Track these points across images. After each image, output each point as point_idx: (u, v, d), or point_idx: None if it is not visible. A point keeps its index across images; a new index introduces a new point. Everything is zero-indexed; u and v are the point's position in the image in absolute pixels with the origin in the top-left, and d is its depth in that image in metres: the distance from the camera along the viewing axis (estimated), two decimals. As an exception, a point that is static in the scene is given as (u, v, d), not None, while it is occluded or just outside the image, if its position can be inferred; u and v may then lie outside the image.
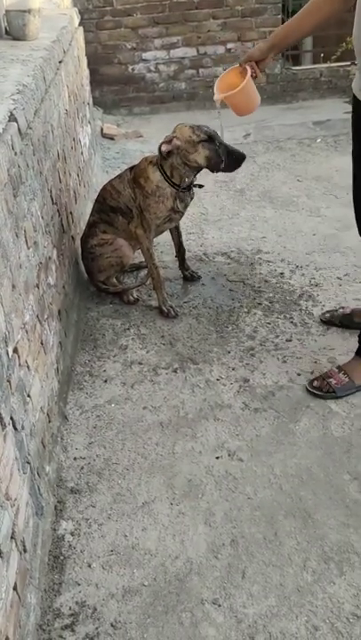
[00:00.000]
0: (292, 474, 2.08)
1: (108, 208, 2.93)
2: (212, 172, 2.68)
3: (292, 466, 2.11)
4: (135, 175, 2.81)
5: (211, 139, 2.59)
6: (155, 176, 2.72)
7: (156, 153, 2.70)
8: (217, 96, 2.30)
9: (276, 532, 1.89)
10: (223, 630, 1.64)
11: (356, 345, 2.39)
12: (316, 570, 1.78)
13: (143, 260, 3.16)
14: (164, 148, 2.60)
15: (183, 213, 2.88)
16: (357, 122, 2.14)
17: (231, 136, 5.04)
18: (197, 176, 2.80)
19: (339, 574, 1.76)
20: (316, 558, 1.81)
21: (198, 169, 2.69)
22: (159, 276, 2.93)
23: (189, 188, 2.78)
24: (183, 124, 2.66)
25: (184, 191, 2.76)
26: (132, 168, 2.90)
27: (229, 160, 2.62)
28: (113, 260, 2.96)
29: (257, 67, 2.22)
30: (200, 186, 2.86)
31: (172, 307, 2.93)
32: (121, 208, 2.88)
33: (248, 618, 1.67)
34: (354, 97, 2.10)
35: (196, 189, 2.88)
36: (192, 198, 2.88)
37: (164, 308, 2.92)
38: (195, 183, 2.80)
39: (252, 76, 2.22)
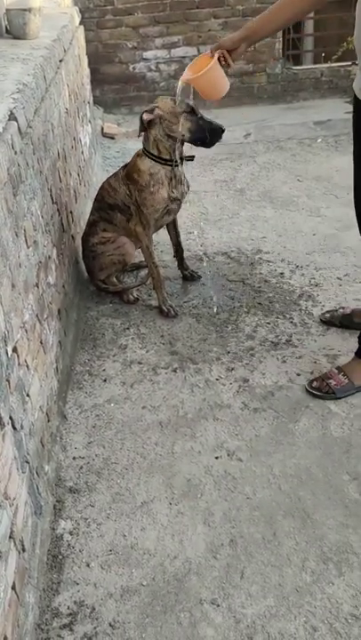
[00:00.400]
0: (291, 474, 2.08)
1: (106, 206, 2.94)
2: (195, 144, 2.66)
3: (291, 466, 2.11)
4: (128, 172, 2.81)
5: (193, 111, 2.60)
6: (145, 164, 2.72)
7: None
8: (184, 77, 2.32)
9: (275, 533, 1.89)
10: (222, 630, 1.64)
11: (356, 345, 2.39)
12: (314, 570, 1.78)
13: (143, 259, 3.16)
14: (145, 117, 2.60)
15: (181, 202, 2.86)
16: (358, 122, 2.14)
17: (232, 135, 5.04)
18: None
19: (338, 575, 1.76)
20: (314, 559, 1.81)
21: (182, 142, 2.66)
22: (159, 275, 2.93)
23: (182, 161, 2.74)
24: (164, 96, 2.68)
25: (177, 165, 2.71)
26: (125, 166, 2.90)
27: (210, 133, 2.62)
28: (115, 258, 2.96)
29: (229, 56, 2.22)
30: (191, 157, 2.80)
31: (171, 306, 2.92)
32: (118, 205, 2.88)
33: (247, 618, 1.67)
34: (355, 97, 2.10)
35: (195, 191, 2.87)
36: (189, 187, 2.87)
37: (163, 308, 2.92)
38: (185, 155, 2.77)
39: (222, 64, 2.23)
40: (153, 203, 2.75)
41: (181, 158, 2.74)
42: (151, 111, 2.60)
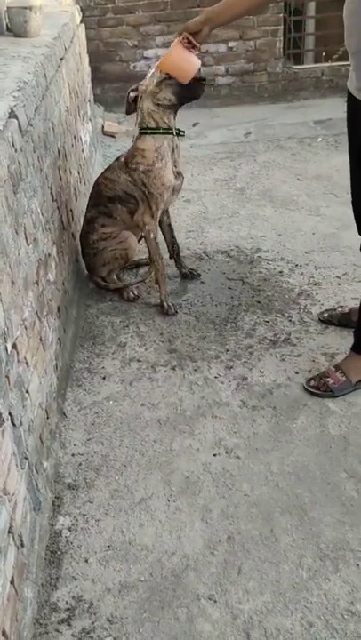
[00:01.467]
0: (288, 471, 2.09)
1: (105, 200, 2.94)
2: (184, 102, 2.74)
3: (288, 463, 2.12)
4: (128, 159, 2.84)
5: (170, 76, 2.67)
6: (147, 143, 2.77)
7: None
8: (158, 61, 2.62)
9: (273, 529, 1.90)
10: (219, 626, 1.65)
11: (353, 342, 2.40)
12: (311, 567, 1.79)
13: (143, 257, 3.17)
14: (132, 94, 2.74)
15: (183, 178, 2.91)
16: (353, 120, 2.17)
17: (232, 134, 5.07)
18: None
19: (334, 571, 1.77)
20: (311, 555, 1.82)
21: (172, 106, 2.73)
22: (163, 268, 2.95)
23: (178, 132, 2.83)
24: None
25: (178, 134, 2.81)
26: (118, 158, 2.94)
27: (192, 88, 2.69)
28: (118, 253, 2.96)
29: (193, 38, 2.39)
30: (182, 132, 2.87)
31: (172, 303, 2.94)
32: (119, 196, 2.89)
33: (243, 614, 1.68)
34: (349, 95, 2.14)
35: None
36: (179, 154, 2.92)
37: (165, 304, 2.93)
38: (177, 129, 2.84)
39: (188, 46, 2.41)
40: (163, 181, 2.78)
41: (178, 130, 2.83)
42: (135, 89, 2.74)
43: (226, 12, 2.30)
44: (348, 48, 2.02)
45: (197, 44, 2.40)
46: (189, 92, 2.69)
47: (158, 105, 2.71)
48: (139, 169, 2.79)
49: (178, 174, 2.86)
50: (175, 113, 2.78)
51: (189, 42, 2.39)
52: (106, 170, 3.00)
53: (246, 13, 2.39)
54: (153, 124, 2.75)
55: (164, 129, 2.75)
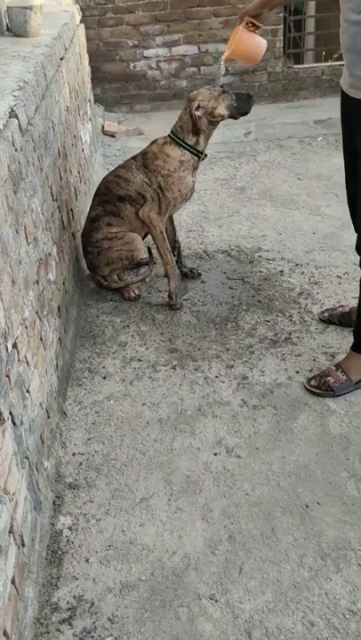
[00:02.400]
0: (289, 471, 2.09)
1: (115, 198, 2.93)
2: (235, 117, 2.81)
3: (289, 463, 2.12)
4: (149, 160, 2.85)
5: (224, 90, 2.76)
6: (175, 153, 2.80)
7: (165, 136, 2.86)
8: (223, 57, 2.66)
9: (274, 529, 1.90)
10: (220, 625, 1.65)
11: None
12: (312, 566, 1.79)
13: (144, 256, 3.17)
14: (199, 113, 2.72)
15: (194, 191, 2.96)
16: (346, 117, 2.20)
17: (232, 134, 5.06)
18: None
19: (335, 571, 1.77)
20: (312, 555, 1.82)
21: (218, 123, 2.80)
22: (173, 261, 2.98)
23: (205, 156, 2.89)
24: (193, 92, 2.81)
25: (204, 158, 2.87)
26: (135, 157, 2.94)
27: (244, 102, 2.79)
28: (123, 254, 2.96)
29: (255, 21, 2.45)
30: (205, 155, 2.92)
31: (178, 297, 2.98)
32: (130, 196, 2.89)
33: (245, 613, 1.68)
34: (342, 92, 2.15)
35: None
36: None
37: (174, 297, 2.95)
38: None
39: (250, 28, 2.46)
40: (180, 187, 2.82)
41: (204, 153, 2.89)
42: (198, 107, 2.72)
43: None
44: (342, 46, 2.04)
45: (259, 24, 2.46)
46: (243, 105, 2.76)
47: (211, 123, 2.76)
48: (159, 171, 2.81)
49: (192, 187, 2.90)
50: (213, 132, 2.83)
51: (253, 24, 2.45)
52: (119, 168, 2.99)
53: None
54: (191, 142, 2.79)
55: (196, 150, 2.80)
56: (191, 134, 2.78)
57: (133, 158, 2.95)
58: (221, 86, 2.77)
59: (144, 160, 2.87)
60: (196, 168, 2.87)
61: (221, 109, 2.73)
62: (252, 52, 2.56)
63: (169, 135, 2.84)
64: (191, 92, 2.82)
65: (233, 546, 1.85)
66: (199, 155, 2.82)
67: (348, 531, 1.88)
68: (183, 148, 2.80)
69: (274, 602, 1.70)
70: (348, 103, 2.13)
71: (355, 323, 2.38)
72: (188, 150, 2.80)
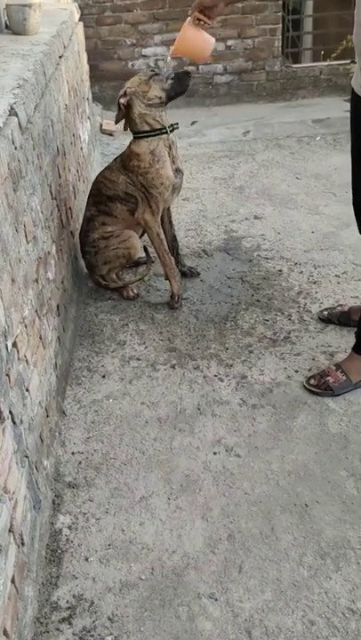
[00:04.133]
0: (289, 470, 2.09)
1: (105, 198, 2.93)
2: (173, 97, 2.74)
3: (289, 462, 2.12)
4: (124, 162, 2.84)
5: (156, 73, 2.72)
6: (141, 147, 2.76)
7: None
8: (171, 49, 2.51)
9: (273, 528, 1.90)
10: (220, 624, 1.65)
11: (354, 342, 2.40)
12: (312, 565, 1.79)
13: (142, 255, 3.17)
14: (122, 100, 2.70)
15: (183, 175, 2.90)
16: (357, 119, 2.15)
17: (231, 133, 5.07)
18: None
19: (335, 569, 1.77)
20: (312, 553, 1.82)
21: (161, 103, 2.74)
22: (172, 262, 2.96)
23: (172, 128, 2.82)
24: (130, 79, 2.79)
25: (171, 130, 2.80)
26: (116, 159, 2.94)
27: (179, 82, 2.72)
28: (120, 252, 2.96)
29: (207, 16, 2.30)
30: (176, 125, 2.85)
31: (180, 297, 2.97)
32: (119, 196, 2.89)
33: (244, 612, 1.68)
34: (353, 94, 2.11)
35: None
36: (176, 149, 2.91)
37: (176, 299, 2.94)
38: (170, 125, 2.83)
39: (199, 23, 2.32)
40: (161, 180, 2.78)
41: (171, 125, 2.82)
42: (124, 94, 2.70)
43: None
44: (356, 46, 1.99)
45: (209, 22, 2.32)
46: (178, 85, 2.70)
47: (149, 105, 2.71)
48: (136, 171, 2.79)
49: (177, 171, 2.85)
50: (164, 109, 2.78)
51: (200, 20, 2.31)
52: (105, 169, 3.00)
53: None
54: (146, 127, 2.75)
55: (157, 129, 2.76)
56: (137, 122, 2.73)
57: (115, 159, 2.95)
58: (152, 70, 2.72)
59: (122, 162, 2.86)
60: (171, 147, 2.80)
61: (155, 91, 2.68)
62: (196, 50, 2.43)
63: (133, 135, 2.81)
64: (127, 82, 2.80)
65: (233, 545, 1.85)
66: (163, 132, 2.76)
67: (347, 530, 1.88)
68: (145, 137, 2.76)
69: (274, 601, 1.70)
70: (359, 104, 2.09)
71: (357, 323, 2.37)
72: (150, 135, 2.75)
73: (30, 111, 2.13)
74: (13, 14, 2.86)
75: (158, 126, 2.75)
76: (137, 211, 2.87)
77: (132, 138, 2.85)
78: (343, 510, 1.94)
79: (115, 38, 5.55)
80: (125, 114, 2.75)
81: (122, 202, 2.90)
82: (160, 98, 2.71)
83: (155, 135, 2.76)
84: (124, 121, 2.79)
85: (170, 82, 2.70)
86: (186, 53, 2.48)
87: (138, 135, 2.78)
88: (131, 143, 2.83)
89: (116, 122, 2.82)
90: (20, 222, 1.89)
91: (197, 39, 2.37)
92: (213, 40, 2.41)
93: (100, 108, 5.53)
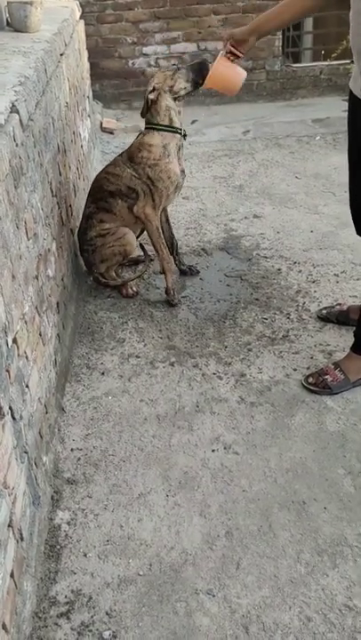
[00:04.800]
0: (287, 467, 2.10)
1: (106, 194, 2.94)
2: (198, 85, 2.81)
3: (287, 459, 2.13)
4: (133, 153, 2.87)
5: (178, 67, 2.84)
6: (156, 140, 2.83)
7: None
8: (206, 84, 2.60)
9: (271, 525, 1.91)
10: (217, 620, 1.66)
11: (353, 341, 2.41)
12: (309, 562, 1.80)
13: (141, 253, 3.18)
14: (152, 96, 2.79)
15: (185, 177, 2.97)
16: (354, 120, 2.16)
17: (230, 132, 5.08)
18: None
19: (332, 567, 1.78)
20: (309, 550, 1.83)
21: (188, 93, 2.85)
22: (168, 256, 2.99)
23: (185, 133, 2.93)
24: (151, 71, 2.98)
25: (185, 135, 2.91)
26: (121, 154, 2.97)
27: (200, 71, 2.79)
28: (116, 249, 2.97)
29: (238, 48, 2.36)
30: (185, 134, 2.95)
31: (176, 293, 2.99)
32: (121, 190, 2.91)
33: (242, 608, 1.69)
34: (351, 95, 2.13)
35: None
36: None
37: (171, 293, 2.95)
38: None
39: (230, 57, 2.39)
40: (169, 174, 2.83)
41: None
42: (153, 90, 2.78)
43: (272, 21, 2.28)
44: (353, 48, 2.00)
45: (241, 55, 2.38)
46: (199, 73, 2.78)
47: (176, 99, 2.81)
48: (145, 163, 2.82)
49: (181, 172, 2.91)
50: (181, 104, 2.87)
51: (233, 53, 2.38)
52: (108, 165, 3.02)
53: (292, 21, 2.36)
54: (167, 121, 2.82)
55: (175, 127, 2.83)
56: (160, 115, 2.81)
57: (120, 154, 2.99)
58: (174, 64, 2.84)
59: (129, 154, 2.90)
60: (180, 148, 2.88)
61: (181, 84, 2.78)
62: (229, 85, 2.49)
63: (146, 127, 2.88)
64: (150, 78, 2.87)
65: (230, 541, 1.86)
66: (178, 131, 2.85)
67: (344, 527, 1.89)
68: (161, 130, 2.82)
69: (271, 597, 1.71)
70: (357, 106, 2.09)
71: (356, 322, 2.38)
72: (167, 131, 2.83)
73: (31, 108, 2.14)
74: (15, 11, 2.87)
75: (177, 124, 2.84)
76: (137, 204, 2.89)
77: (136, 135, 2.90)
78: (340, 508, 1.95)
79: (115, 36, 5.55)
80: (150, 106, 2.82)
81: (123, 198, 2.91)
82: (185, 88, 2.80)
83: (170, 132, 2.82)
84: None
85: (192, 73, 2.80)
86: (218, 87, 2.54)
87: (154, 127, 2.83)
88: (142, 135, 2.87)
89: (143, 115, 2.89)
90: (21, 219, 1.89)
91: (230, 73, 2.44)
92: (245, 74, 2.47)
93: (101, 106, 5.54)
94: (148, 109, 2.84)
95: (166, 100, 2.80)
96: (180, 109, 2.85)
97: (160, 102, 2.80)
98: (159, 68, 2.92)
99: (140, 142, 2.86)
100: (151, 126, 2.84)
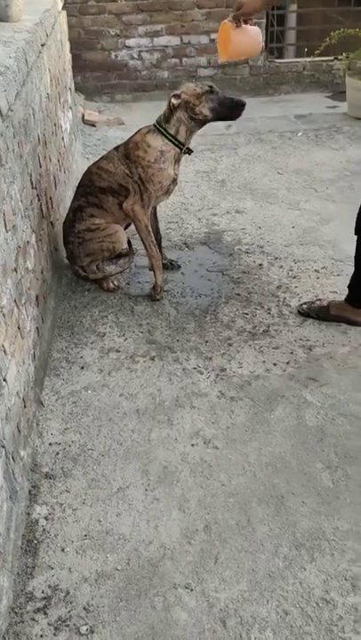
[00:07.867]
0: (266, 462, 2.10)
1: (96, 190, 2.92)
2: (218, 120, 2.79)
3: (266, 454, 2.13)
4: (130, 150, 2.84)
5: (212, 90, 2.73)
6: (156, 142, 2.79)
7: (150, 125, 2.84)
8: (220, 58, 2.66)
9: (250, 519, 1.91)
10: (195, 614, 1.66)
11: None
12: (287, 556, 1.80)
13: (124, 247, 3.15)
14: (175, 101, 2.71)
15: (176, 183, 2.94)
16: None
17: (213, 127, 5.05)
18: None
19: (309, 560, 1.79)
20: (287, 544, 1.83)
21: (203, 122, 2.78)
22: (158, 254, 2.97)
23: (188, 150, 2.86)
24: (188, 83, 2.83)
25: (185, 153, 2.84)
26: (117, 148, 2.92)
27: (232, 108, 2.75)
28: (105, 245, 2.95)
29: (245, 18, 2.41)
30: (190, 151, 2.89)
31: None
32: (112, 187, 2.88)
33: (220, 602, 1.69)
34: None
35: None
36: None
37: (159, 291, 2.95)
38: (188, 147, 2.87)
39: (238, 23, 2.40)
40: (161, 179, 2.81)
41: (188, 148, 2.85)
42: (178, 95, 2.71)
43: None
44: None
45: (250, 22, 2.40)
46: (228, 112, 2.73)
47: (192, 118, 2.74)
48: (139, 162, 2.79)
49: (174, 180, 2.88)
50: (198, 130, 2.82)
51: (238, 20, 2.36)
52: (101, 159, 2.97)
53: None
54: (173, 131, 2.77)
55: (178, 141, 2.79)
56: (170, 122, 2.76)
57: (116, 149, 2.94)
58: (210, 86, 2.72)
59: (126, 150, 2.86)
60: (178, 161, 2.85)
61: (203, 109, 2.71)
62: (250, 49, 2.47)
63: (153, 124, 2.83)
64: (184, 84, 2.82)
65: (209, 536, 1.86)
66: (181, 146, 2.80)
67: (322, 521, 1.90)
68: (165, 137, 2.78)
69: (249, 591, 1.72)
70: None
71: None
72: (170, 140, 2.78)
73: (11, 98, 2.10)
74: (-5, 0, 2.82)
75: (182, 139, 2.78)
76: (126, 201, 2.86)
77: (137, 130, 2.87)
78: (318, 502, 1.96)
79: (98, 28, 5.51)
80: (171, 110, 2.75)
81: (114, 194, 2.89)
82: (205, 117, 2.73)
83: (173, 143, 2.78)
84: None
85: (221, 106, 2.71)
86: (242, 55, 2.52)
87: (161, 129, 2.78)
88: (146, 132, 2.82)
89: (166, 117, 2.80)
90: (0, 210, 1.87)
91: (248, 38, 2.41)
92: (259, 30, 2.44)
93: (83, 98, 5.50)
94: (170, 111, 2.76)
95: (182, 115, 2.74)
96: (192, 129, 2.78)
97: (176, 113, 2.74)
98: (195, 83, 2.81)
99: (141, 139, 2.81)
100: (159, 127, 2.80)
